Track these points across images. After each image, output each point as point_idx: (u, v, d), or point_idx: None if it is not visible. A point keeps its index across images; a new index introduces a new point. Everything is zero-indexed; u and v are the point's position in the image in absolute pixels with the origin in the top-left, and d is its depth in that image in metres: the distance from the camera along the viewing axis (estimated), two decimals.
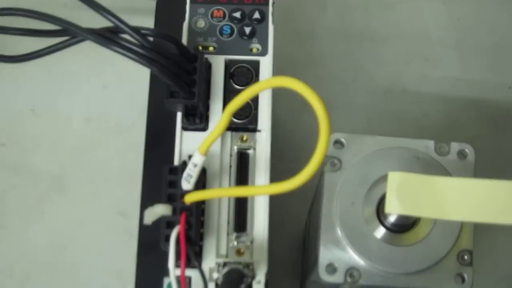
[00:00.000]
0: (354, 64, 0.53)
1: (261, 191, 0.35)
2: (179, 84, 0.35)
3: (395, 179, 0.31)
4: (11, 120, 0.52)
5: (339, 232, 0.35)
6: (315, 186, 0.39)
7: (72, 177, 0.51)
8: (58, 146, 0.51)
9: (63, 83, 0.53)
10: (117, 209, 0.50)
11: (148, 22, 0.44)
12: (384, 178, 0.35)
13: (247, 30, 0.39)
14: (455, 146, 0.36)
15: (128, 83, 0.52)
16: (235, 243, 0.36)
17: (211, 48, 0.39)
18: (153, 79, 0.43)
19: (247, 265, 0.35)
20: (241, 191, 0.35)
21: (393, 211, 0.32)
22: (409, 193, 0.31)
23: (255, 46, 0.39)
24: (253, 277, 0.34)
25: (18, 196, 0.50)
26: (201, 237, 0.35)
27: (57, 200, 0.50)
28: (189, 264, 0.33)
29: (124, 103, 0.52)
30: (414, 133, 0.51)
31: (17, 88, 0.53)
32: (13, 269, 0.49)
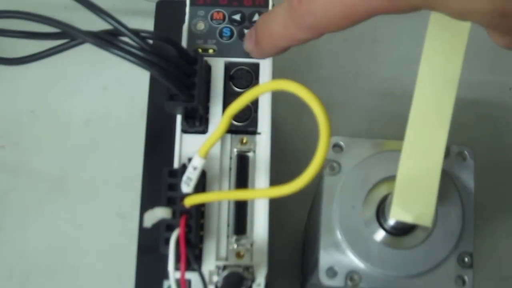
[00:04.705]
0: (355, 66, 0.53)
1: (261, 194, 0.35)
2: (179, 87, 0.35)
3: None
4: (11, 121, 0.52)
5: (339, 235, 0.35)
6: (315, 187, 0.39)
7: (72, 178, 0.51)
8: (58, 147, 0.51)
9: (63, 85, 0.53)
10: (117, 211, 0.50)
11: (147, 23, 0.44)
12: (383, 181, 0.35)
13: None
14: (454, 149, 0.36)
15: (127, 84, 0.52)
16: (235, 245, 0.35)
17: (210, 51, 0.39)
18: (153, 82, 0.43)
19: (247, 268, 0.34)
20: (241, 194, 0.35)
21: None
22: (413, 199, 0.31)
23: None
24: (253, 280, 0.34)
25: (18, 198, 0.50)
26: (200, 239, 0.35)
27: (57, 202, 0.50)
28: (189, 267, 0.33)
29: (124, 105, 0.52)
30: None
31: (17, 89, 0.53)
32: (12, 271, 0.49)
